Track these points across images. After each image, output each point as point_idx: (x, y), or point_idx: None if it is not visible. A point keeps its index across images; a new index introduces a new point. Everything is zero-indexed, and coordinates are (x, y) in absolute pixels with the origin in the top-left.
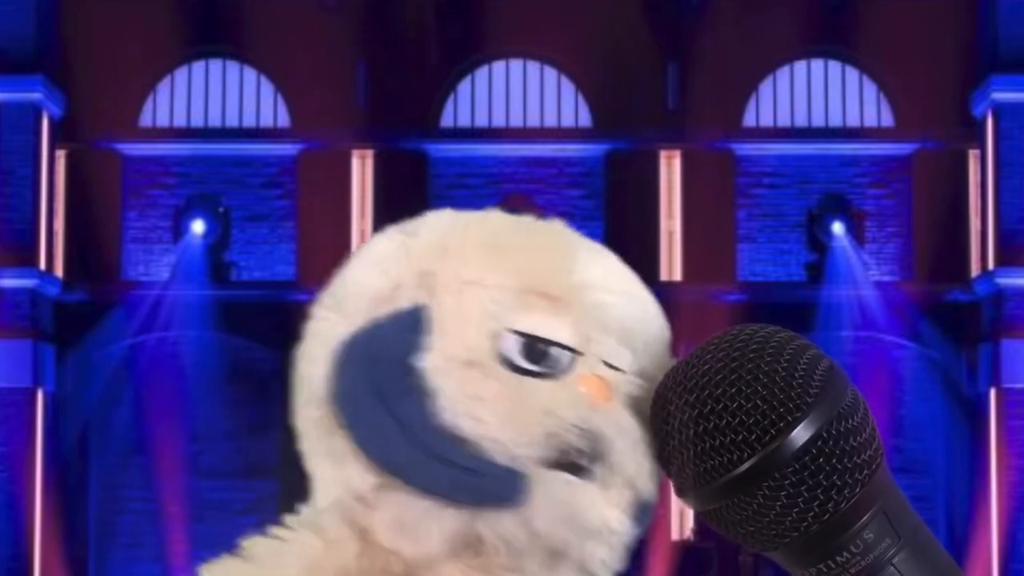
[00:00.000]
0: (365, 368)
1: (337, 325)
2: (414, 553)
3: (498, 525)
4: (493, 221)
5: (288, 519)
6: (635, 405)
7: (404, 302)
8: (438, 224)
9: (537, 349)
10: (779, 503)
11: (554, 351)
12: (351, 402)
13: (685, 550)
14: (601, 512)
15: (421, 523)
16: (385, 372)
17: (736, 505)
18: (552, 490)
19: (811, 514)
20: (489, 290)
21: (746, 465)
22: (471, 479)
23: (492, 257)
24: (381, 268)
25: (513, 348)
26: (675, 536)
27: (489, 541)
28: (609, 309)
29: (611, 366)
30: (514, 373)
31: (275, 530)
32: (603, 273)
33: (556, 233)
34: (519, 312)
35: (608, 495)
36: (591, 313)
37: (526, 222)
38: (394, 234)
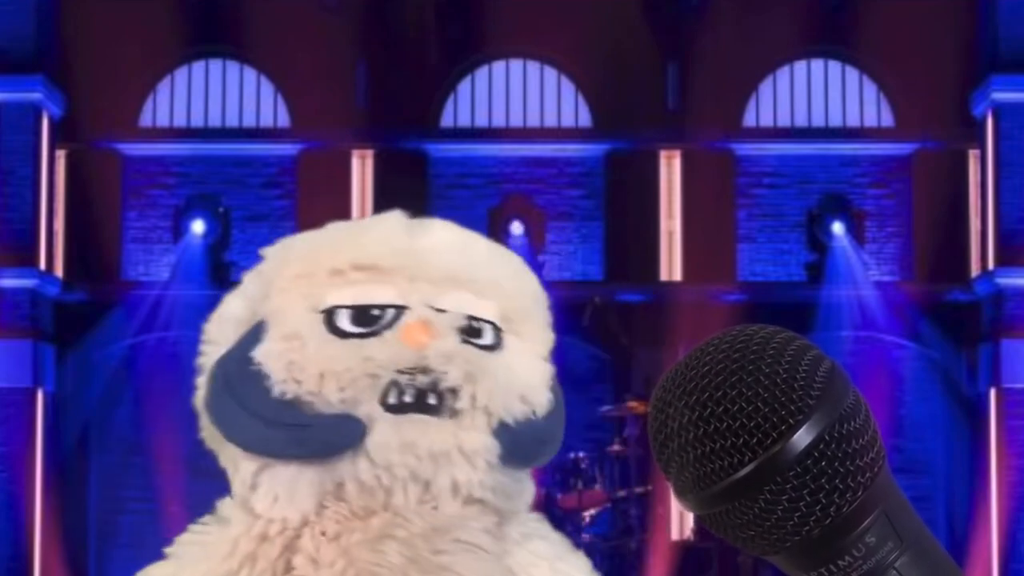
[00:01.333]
0: (220, 374)
1: (212, 355)
2: (290, 515)
3: (347, 469)
4: (327, 226)
5: (204, 517)
6: (455, 336)
7: (258, 317)
8: (283, 243)
9: (364, 315)
10: (780, 507)
11: (380, 312)
12: (211, 403)
13: (685, 550)
14: (447, 437)
15: (288, 488)
16: (231, 371)
17: (737, 509)
18: (386, 427)
19: (813, 518)
20: (307, 278)
21: (747, 469)
22: (302, 433)
23: (313, 251)
24: (240, 295)
25: (344, 319)
26: (675, 536)
27: (345, 485)
28: (429, 264)
29: (440, 310)
30: (340, 338)
31: (189, 527)
32: (427, 239)
33: (381, 218)
34: (337, 289)
35: (461, 420)
36: (410, 271)
37: (356, 220)
38: (255, 264)
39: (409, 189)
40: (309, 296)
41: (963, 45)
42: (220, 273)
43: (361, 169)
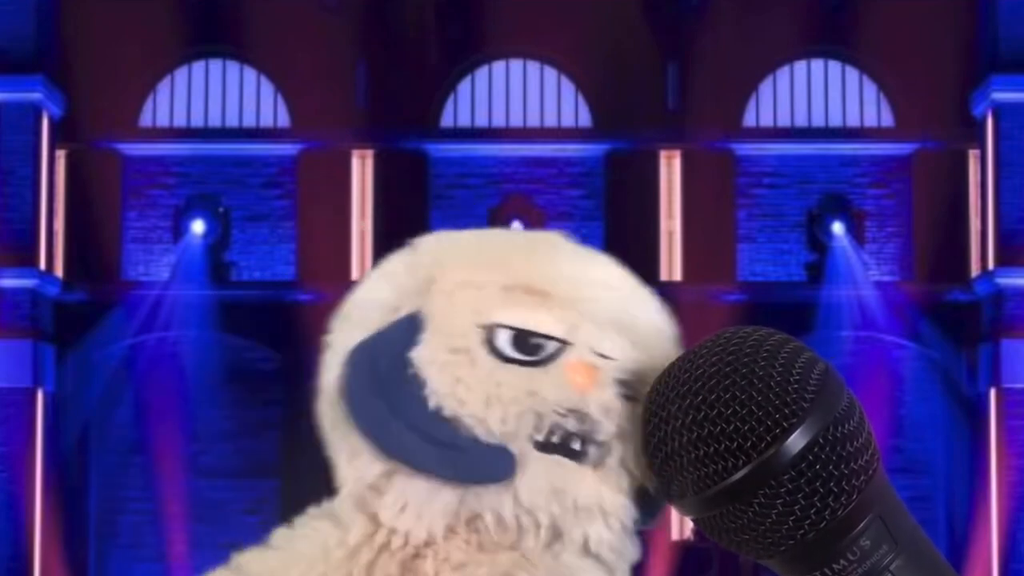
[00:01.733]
0: (367, 365)
1: (349, 335)
2: (415, 531)
3: (489, 501)
4: (490, 232)
5: (310, 510)
6: (616, 388)
7: (407, 310)
8: (439, 239)
9: (526, 340)
10: (775, 511)
11: (542, 342)
12: (354, 396)
13: (685, 550)
14: (591, 490)
15: (420, 503)
16: (382, 366)
17: (731, 513)
18: (539, 467)
19: (808, 522)
20: (476, 289)
21: (741, 473)
22: (455, 455)
23: (482, 261)
24: (389, 281)
25: (504, 340)
26: (675, 536)
27: (483, 517)
28: (597, 302)
29: (602, 355)
30: (501, 361)
31: (297, 520)
32: (595, 272)
33: (551, 239)
34: (506, 307)
35: (605, 476)
36: (578, 306)
37: (523, 232)
38: (404, 251)
39: (409, 189)
40: (478, 309)
41: (963, 45)
42: (220, 273)
43: (361, 169)
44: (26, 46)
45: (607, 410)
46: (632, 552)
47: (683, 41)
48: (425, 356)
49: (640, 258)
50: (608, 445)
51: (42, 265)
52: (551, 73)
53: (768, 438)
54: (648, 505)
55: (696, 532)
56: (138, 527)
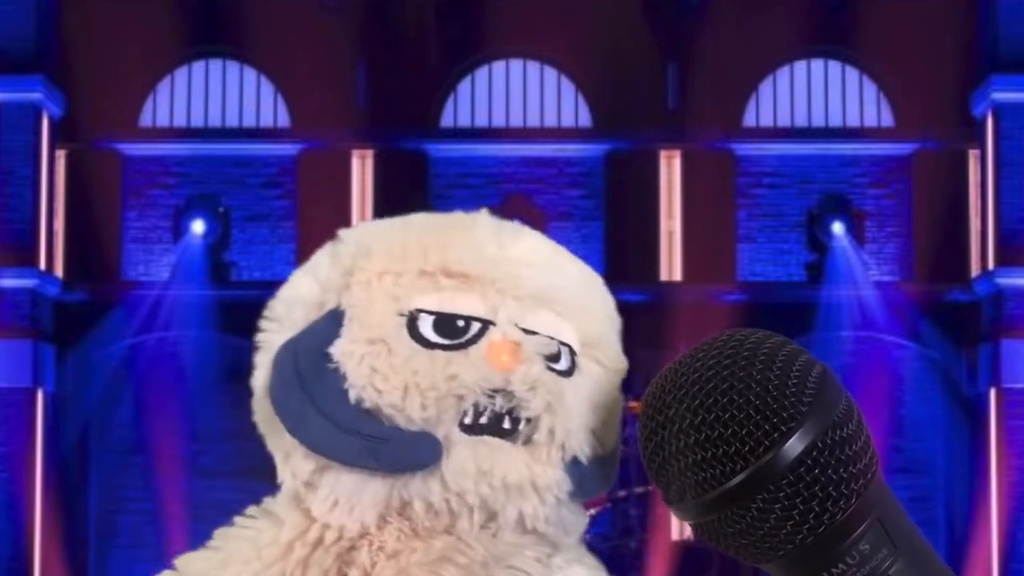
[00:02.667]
0: (290, 363)
1: (276, 334)
2: (348, 524)
3: (417, 488)
4: (411, 218)
5: (250, 509)
6: (541, 363)
7: (332, 304)
8: (361, 229)
9: (448, 323)
10: (773, 516)
11: (465, 324)
12: (279, 395)
13: (685, 550)
14: (521, 467)
15: (351, 496)
16: (305, 363)
17: (729, 518)
18: (464, 450)
19: (806, 526)
20: (395, 276)
21: (739, 478)
22: (378, 446)
23: (399, 248)
24: (313, 276)
25: (426, 326)
26: (675, 536)
27: (413, 504)
28: (517, 278)
29: (527, 331)
30: (423, 347)
31: (237, 520)
32: (515, 249)
33: (470, 219)
34: (424, 293)
35: (536, 452)
36: (498, 284)
37: (443, 215)
38: (328, 246)
39: (409, 189)
40: (396, 297)
41: (963, 45)
42: (220, 273)
43: (361, 169)
44: (26, 46)
45: (533, 385)
46: (578, 523)
47: (683, 41)
48: (344, 349)
49: (640, 258)
50: (537, 420)
51: (42, 265)
52: (551, 73)
53: (766, 442)
54: (586, 476)
55: (695, 531)
56: (138, 527)
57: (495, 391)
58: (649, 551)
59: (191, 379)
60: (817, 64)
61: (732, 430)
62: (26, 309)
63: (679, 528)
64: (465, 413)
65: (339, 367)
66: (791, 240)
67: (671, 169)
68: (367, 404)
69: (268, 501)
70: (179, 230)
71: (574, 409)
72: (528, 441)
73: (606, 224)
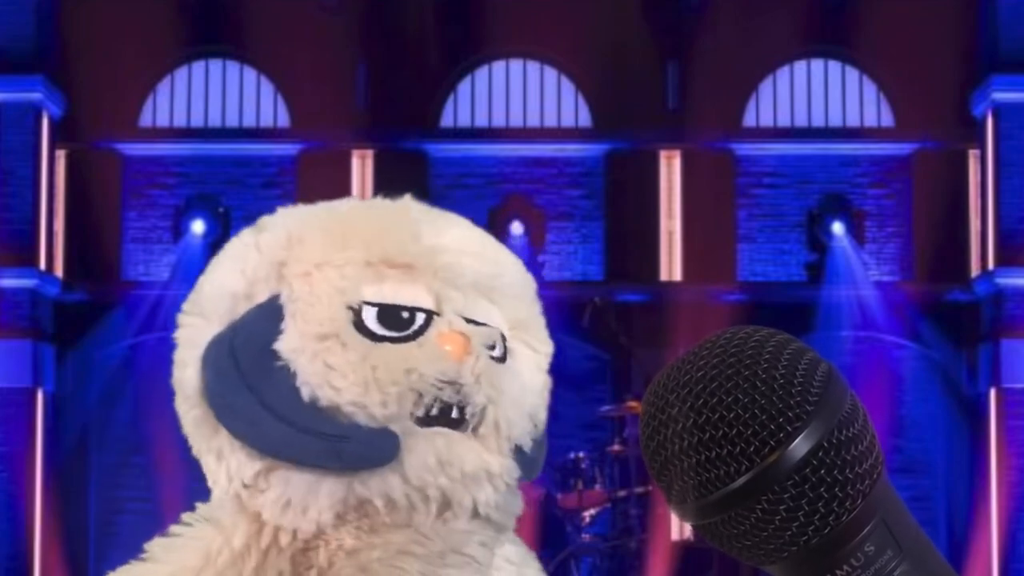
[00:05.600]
0: (229, 361)
1: (202, 329)
2: (303, 525)
3: (377, 484)
4: (338, 206)
5: (185, 516)
6: (486, 354)
7: (261, 296)
8: (286, 217)
9: (393, 315)
10: (778, 517)
11: (409, 315)
12: (220, 395)
13: (685, 550)
14: (476, 458)
15: (306, 496)
16: (247, 361)
17: (732, 520)
18: (422, 443)
19: (811, 528)
20: (337, 268)
21: (743, 479)
22: (340, 445)
23: (338, 238)
24: (236, 267)
25: (370, 317)
26: (675, 536)
27: (372, 501)
28: (459, 268)
29: (471, 321)
30: (372, 341)
31: (173, 528)
32: (452, 237)
33: (402, 208)
34: (369, 284)
35: (485, 442)
36: (442, 274)
37: (372, 202)
38: (245, 233)
39: (409, 189)
40: (343, 290)
41: (963, 45)
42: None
43: (361, 169)
44: (26, 46)
45: (479, 376)
46: (517, 507)
47: (683, 41)
48: (292, 345)
49: (640, 258)
50: (484, 410)
51: (42, 265)
52: (551, 73)
53: (771, 442)
54: (527, 461)
55: (697, 532)
56: (138, 527)
57: (447, 382)
58: (649, 551)
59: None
60: (817, 64)
61: (736, 430)
62: (26, 309)
63: (679, 528)
64: (420, 407)
65: (288, 364)
66: (791, 240)
67: (671, 169)
68: (323, 402)
69: (203, 507)
70: (179, 230)
71: (513, 397)
72: (475, 431)
73: (606, 224)
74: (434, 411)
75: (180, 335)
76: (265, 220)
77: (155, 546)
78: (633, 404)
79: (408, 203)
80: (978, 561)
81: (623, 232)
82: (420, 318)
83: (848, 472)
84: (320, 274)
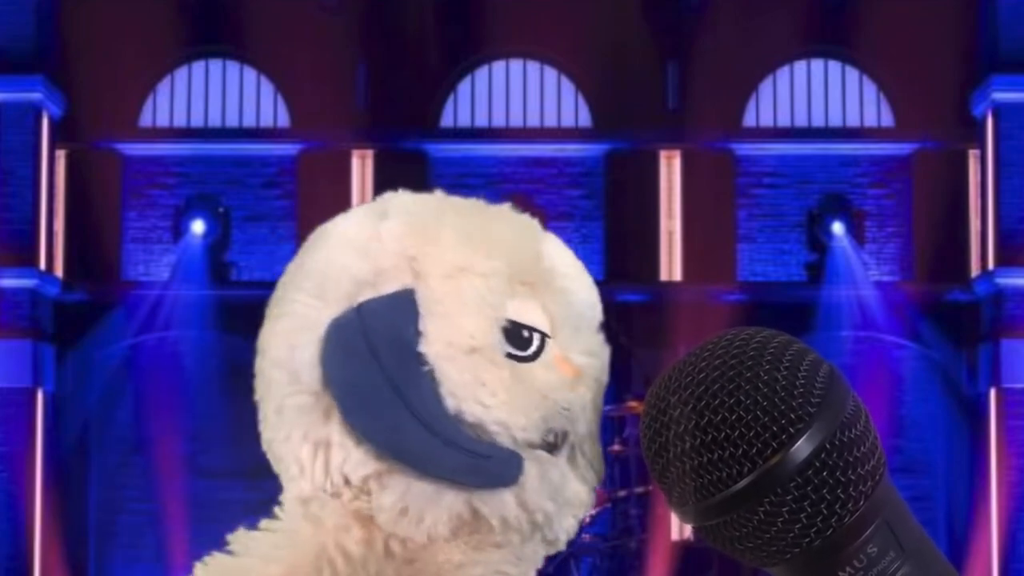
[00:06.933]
0: (368, 355)
1: (319, 310)
2: (418, 535)
3: (495, 503)
4: (464, 205)
5: (278, 511)
6: (594, 387)
7: (389, 287)
8: (408, 207)
9: (519, 334)
10: (781, 519)
11: (529, 335)
12: (357, 390)
13: (685, 550)
14: (575, 486)
15: (425, 506)
16: (388, 356)
17: (734, 522)
18: (536, 467)
19: (814, 530)
20: (483, 277)
21: (745, 481)
22: (479, 462)
23: (479, 244)
24: (360, 251)
25: (504, 337)
26: (675, 536)
27: (486, 519)
28: (571, 294)
29: (582, 351)
30: (508, 359)
31: (265, 524)
32: (563, 259)
33: (520, 219)
34: (512, 299)
35: (577, 471)
36: (558, 298)
37: (501, 209)
38: (364, 217)
39: (409, 189)
40: (491, 303)
41: (963, 45)
42: (220, 273)
43: (361, 169)
44: (26, 46)
45: (585, 409)
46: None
47: (683, 41)
48: (439, 351)
49: (640, 258)
50: (580, 440)
51: (42, 265)
52: (551, 73)
53: (774, 444)
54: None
55: (698, 534)
56: (138, 527)
57: (566, 410)
58: (649, 551)
59: (191, 379)
60: (817, 64)
61: (739, 432)
62: (26, 309)
63: (679, 528)
64: (547, 434)
65: (433, 370)
66: (791, 240)
67: (671, 169)
68: (468, 417)
69: (292, 503)
70: (179, 230)
71: (597, 429)
72: (571, 460)
73: (606, 224)
74: (550, 437)
75: (290, 311)
76: (383, 207)
77: (251, 540)
78: (633, 404)
79: (518, 213)
80: (978, 561)
81: (623, 232)
82: (536, 340)
83: (850, 473)
84: (465, 280)
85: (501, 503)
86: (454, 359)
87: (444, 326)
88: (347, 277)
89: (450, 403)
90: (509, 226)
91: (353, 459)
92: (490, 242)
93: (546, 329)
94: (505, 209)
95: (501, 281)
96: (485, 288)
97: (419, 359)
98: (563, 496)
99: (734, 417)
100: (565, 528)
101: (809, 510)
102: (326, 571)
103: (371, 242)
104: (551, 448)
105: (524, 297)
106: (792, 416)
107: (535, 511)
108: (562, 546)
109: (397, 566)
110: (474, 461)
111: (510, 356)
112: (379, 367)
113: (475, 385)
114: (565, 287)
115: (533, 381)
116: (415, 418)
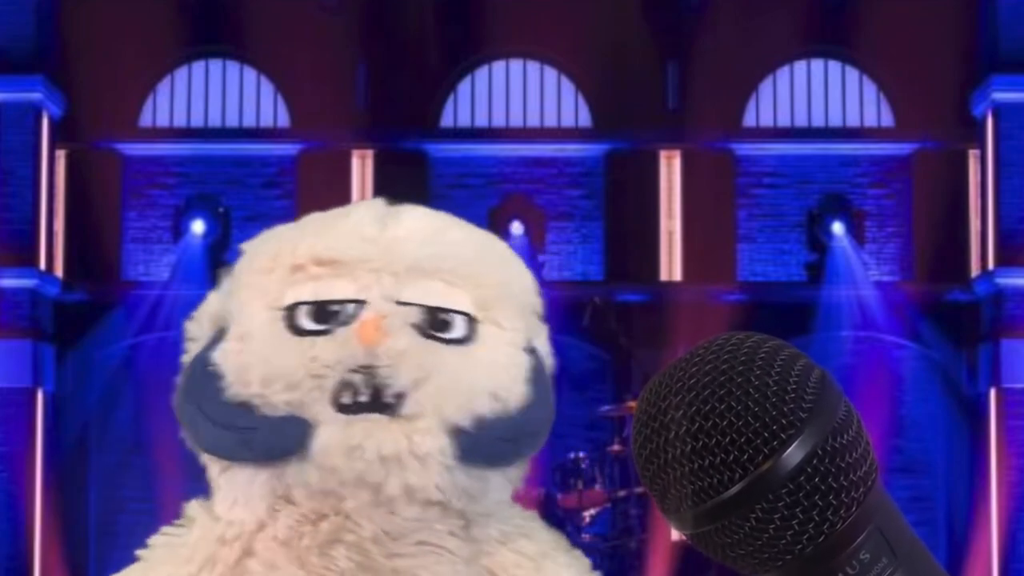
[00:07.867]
0: (184, 377)
1: (192, 352)
2: (247, 519)
3: (295, 474)
4: (303, 219)
5: (180, 519)
6: (408, 333)
7: (224, 314)
8: (257, 238)
9: (323, 311)
10: (772, 526)
11: (339, 308)
12: (177, 404)
13: (685, 550)
14: (393, 439)
15: (244, 490)
16: (193, 370)
17: (726, 528)
18: (331, 429)
19: (806, 536)
20: (267, 275)
21: (737, 487)
22: (249, 436)
23: (275, 248)
24: (217, 291)
25: (304, 316)
26: (675, 536)
27: (295, 490)
28: (394, 254)
29: (407, 303)
30: (298, 336)
31: (163, 528)
32: (397, 228)
33: (349, 209)
34: (296, 285)
35: (411, 422)
36: (372, 263)
37: (335, 211)
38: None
39: (409, 189)
40: (268, 293)
41: (963, 45)
42: (220, 273)
43: (361, 169)
44: (26, 46)
45: (398, 356)
46: (489, 490)
47: (683, 41)
48: (221, 350)
49: (640, 258)
50: (407, 391)
51: (42, 265)
52: (551, 73)
53: (765, 450)
54: (480, 441)
55: (691, 540)
56: (138, 527)
57: (362, 368)
58: (649, 551)
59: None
60: (817, 64)
61: (730, 438)
62: (26, 309)
63: None
64: (340, 393)
65: (217, 369)
66: (791, 240)
67: (671, 169)
68: (240, 399)
69: (187, 507)
70: (179, 230)
71: (457, 376)
72: (399, 413)
73: (606, 224)
74: (362, 397)
75: (181, 361)
76: (243, 244)
77: (149, 547)
78: (633, 404)
79: (367, 203)
80: (978, 561)
81: (623, 232)
82: (350, 309)
83: (842, 479)
84: (255, 283)
85: (301, 472)
86: (228, 352)
87: (232, 327)
88: (207, 317)
89: (228, 391)
90: (318, 221)
91: (208, 466)
92: (284, 242)
93: (356, 296)
94: (346, 207)
95: (283, 272)
96: (266, 283)
97: (209, 362)
98: (374, 452)
99: (725, 423)
100: (415, 483)
101: (801, 516)
102: (167, 564)
103: (224, 279)
104: (380, 407)
105: (328, 277)
106: (783, 422)
107: (337, 470)
108: (466, 508)
109: (240, 549)
110: (244, 436)
111: (311, 332)
112: (187, 382)
113: (241, 368)
114: (384, 251)
115: (305, 350)
116: (204, 416)
